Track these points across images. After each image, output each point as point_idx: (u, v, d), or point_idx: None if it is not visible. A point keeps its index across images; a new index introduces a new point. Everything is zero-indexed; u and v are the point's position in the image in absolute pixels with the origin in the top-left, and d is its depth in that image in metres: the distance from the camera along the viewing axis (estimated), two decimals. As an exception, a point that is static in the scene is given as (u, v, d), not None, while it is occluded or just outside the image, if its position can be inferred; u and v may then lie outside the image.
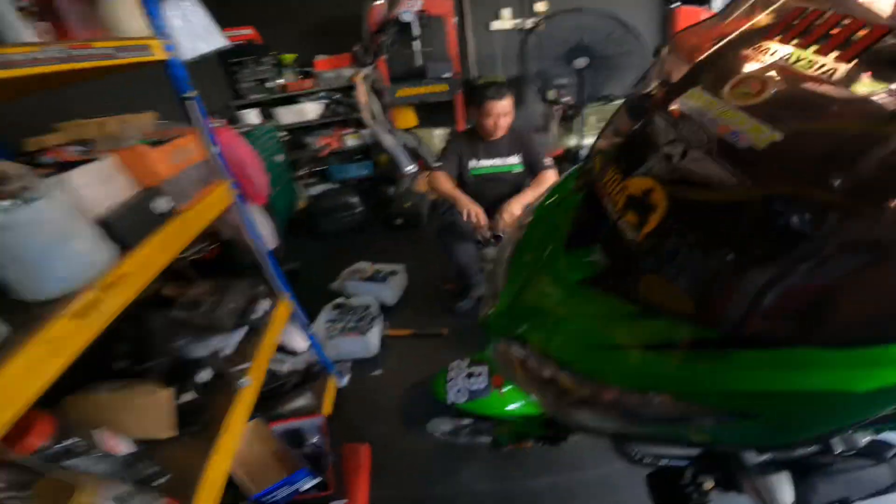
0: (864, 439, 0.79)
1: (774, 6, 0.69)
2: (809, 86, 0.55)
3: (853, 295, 0.48)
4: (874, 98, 0.50)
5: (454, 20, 3.40)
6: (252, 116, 3.72)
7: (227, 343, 1.44)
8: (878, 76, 0.51)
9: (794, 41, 0.60)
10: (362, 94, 3.40)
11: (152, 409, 1.01)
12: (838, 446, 0.78)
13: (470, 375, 1.13)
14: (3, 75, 0.73)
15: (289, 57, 3.90)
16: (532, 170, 2.22)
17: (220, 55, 3.72)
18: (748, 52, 0.65)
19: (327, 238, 3.47)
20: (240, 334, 1.48)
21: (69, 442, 0.78)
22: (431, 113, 3.80)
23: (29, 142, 1.64)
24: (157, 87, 1.76)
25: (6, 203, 0.70)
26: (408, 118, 3.77)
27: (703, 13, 3.18)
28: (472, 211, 2.04)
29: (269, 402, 1.62)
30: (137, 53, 1.06)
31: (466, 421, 1.46)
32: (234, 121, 3.68)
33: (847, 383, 0.49)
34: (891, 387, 0.48)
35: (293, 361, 2.00)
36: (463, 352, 2.03)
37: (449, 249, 2.23)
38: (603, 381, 0.62)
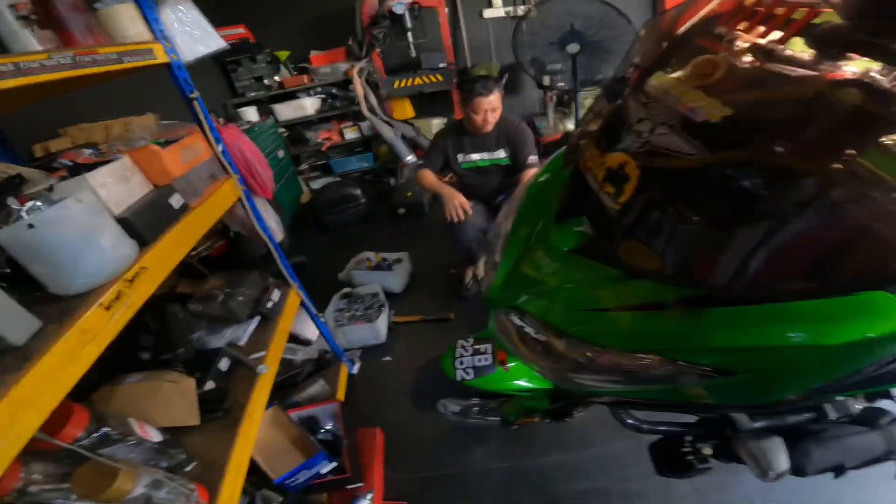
0: (857, 406, 0.83)
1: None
2: (756, 63, 0.61)
3: (811, 250, 0.52)
4: (813, 72, 0.55)
5: (446, 10, 3.40)
6: (251, 114, 3.74)
7: (242, 333, 1.48)
8: (819, 53, 0.57)
9: (742, 25, 0.66)
10: (359, 87, 3.41)
11: (178, 398, 1.05)
12: (832, 412, 0.82)
13: (476, 353, 1.17)
14: (14, 84, 0.75)
15: (283, 54, 3.90)
16: (517, 166, 2.22)
17: (216, 55, 3.68)
18: (704, 37, 0.72)
19: (332, 230, 3.51)
20: (253, 324, 1.52)
21: (104, 430, 0.82)
22: (428, 103, 3.81)
23: (36, 147, 1.68)
24: (155, 88, 1.79)
25: (35, 203, 0.74)
26: (405, 109, 3.79)
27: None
28: (455, 204, 2.10)
29: (284, 391, 1.68)
30: (141, 57, 1.09)
31: (475, 400, 1.51)
32: (233, 119, 3.70)
33: (819, 337, 0.53)
34: (862, 340, 0.52)
35: (306, 351, 2.05)
36: (470, 335, 2.12)
37: (459, 239, 2.25)
38: (596, 344, 0.66)
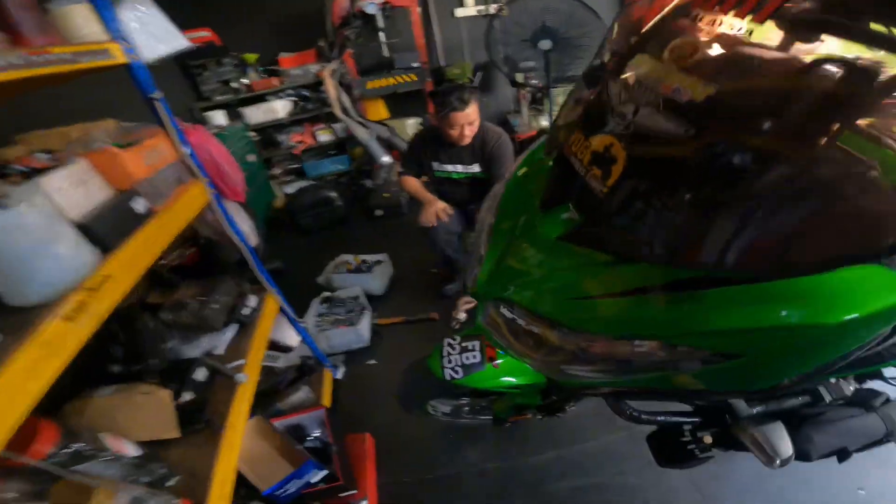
0: (850, 387, 0.84)
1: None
2: (734, 44, 0.62)
3: (800, 225, 0.53)
4: (790, 54, 0.57)
5: (418, 9, 3.37)
6: (219, 118, 3.62)
7: (219, 341, 1.42)
8: (792, 34, 0.57)
9: (716, 7, 0.66)
10: (331, 88, 3.34)
11: (153, 410, 0.99)
12: (826, 395, 0.83)
13: (463, 350, 1.14)
14: (-40, 85, 0.69)
15: (251, 56, 3.80)
16: (493, 179, 2.07)
17: (179, 58, 3.60)
18: (682, 20, 0.73)
19: (308, 234, 3.42)
20: (231, 332, 1.46)
21: (76, 447, 0.76)
22: (402, 103, 3.77)
23: (-10, 156, 1.56)
24: (117, 93, 1.70)
25: (-17, 209, 0.67)
26: (379, 110, 3.73)
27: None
28: (430, 211, 2.09)
29: (267, 399, 1.61)
30: (97, 57, 1.02)
31: (464, 400, 1.48)
32: (200, 123, 3.57)
33: (816, 315, 0.52)
34: (859, 317, 0.51)
35: (287, 357, 1.98)
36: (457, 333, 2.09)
37: (436, 244, 2.23)
38: (589, 332, 0.64)
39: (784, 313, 0.54)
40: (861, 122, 0.52)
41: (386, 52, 3.30)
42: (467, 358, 1.12)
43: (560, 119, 0.86)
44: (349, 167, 4.08)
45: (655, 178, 0.59)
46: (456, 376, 1.12)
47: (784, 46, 0.59)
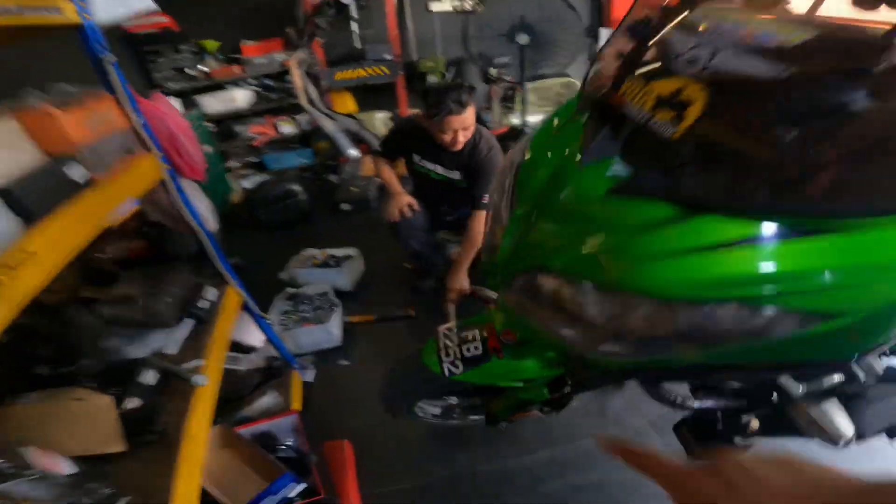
0: (882, 365, 0.78)
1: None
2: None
3: None
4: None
5: (393, 1, 3.22)
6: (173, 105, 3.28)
7: (171, 339, 1.20)
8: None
9: None
10: (297, 78, 3.12)
11: (90, 419, 0.78)
12: (860, 373, 0.76)
13: (463, 342, 1.00)
14: None
15: (211, 44, 3.50)
16: (471, 195, 1.88)
17: (130, 43, 3.28)
18: None
19: (268, 230, 3.15)
20: (185, 329, 1.24)
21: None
22: (371, 96, 3.59)
23: None
24: (56, 63, 1.45)
25: None
26: (346, 103, 3.53)
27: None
28: (395, 205, 1.94)
29: (230, 406, 1.39)
30: (45, 13, 0.83)
31: (453, 399, 1.34)
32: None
33: None
34: None
35: (250, 359, 1.75)
36: (434, 331, 1.94)
37: (400, 238, 2.07)
38: (661, 296, 0.53)
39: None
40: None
41: (358, 43, 3.13)
42: (468, 350, 0.98)
43: (596, 72, 0.76)
44: (313, 161, 3.83)
45: (744, 117, 0.50)
46: (455, 371, 0.97)
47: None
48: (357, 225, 3.06)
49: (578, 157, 0.66)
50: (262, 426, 1.24)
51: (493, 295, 1.99)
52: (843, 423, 0.67)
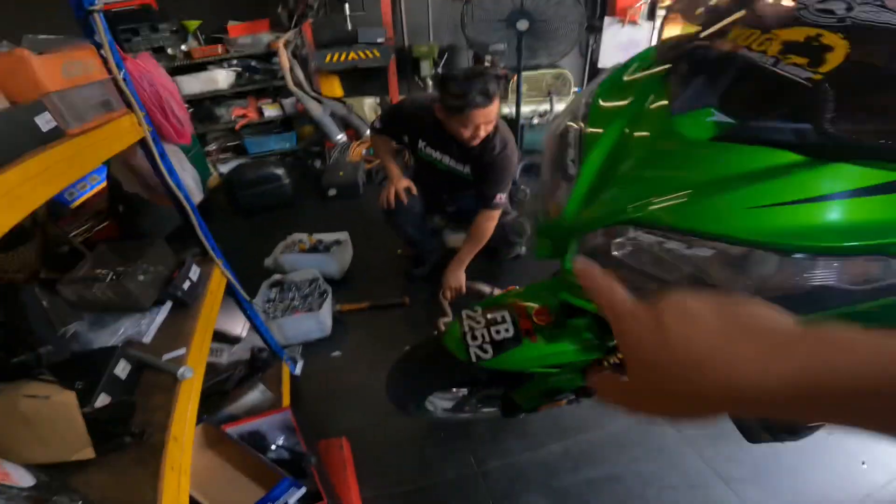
0: None
1: None
2: None
3: None
4: None
5: (390, -16, 3.05)
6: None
7: (146, 325, 1.02)
8: None
9: None
10: (284, 59, 2.91)
11: (50, 420, 0.60)
12: None
13: (491, 324, 0.87)
14: None
15: (192, 23, 3.23)
16: (478, 191, 1.72)
17: (106, 22, 2.94)
18: None
19: (249, 215, 2.92)
20: (163, 313, 1.06)
21: None
22: (360, 81, 3.40)
23: None
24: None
25: None
26: (333, 87, 3.33)
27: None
28: (391, 191, 1.77)
29: (212, 402, 1.22)
30: None
31: (463, 391, 1.21)
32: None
33: None
34: None
35: (232, 350, 1.57)
36: (430, 320, 1.80)
37: (395, 224, 1.92)
38: (794, 248, 0.43)
39: None
40: None
41: (349, 26, 2.93)
42: (497, 332, 0.85)
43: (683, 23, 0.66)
44: (296, 146, 3.61)
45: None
46: (484, 356, 0.84)
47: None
48: (344, 210, 2.88)
49: (665, 105, 0.55)
50: (251, 424, 1.07)
51: (487, 289, 1.89)
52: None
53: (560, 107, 3.06)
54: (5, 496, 0.52)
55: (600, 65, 3.67)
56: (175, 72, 3.19)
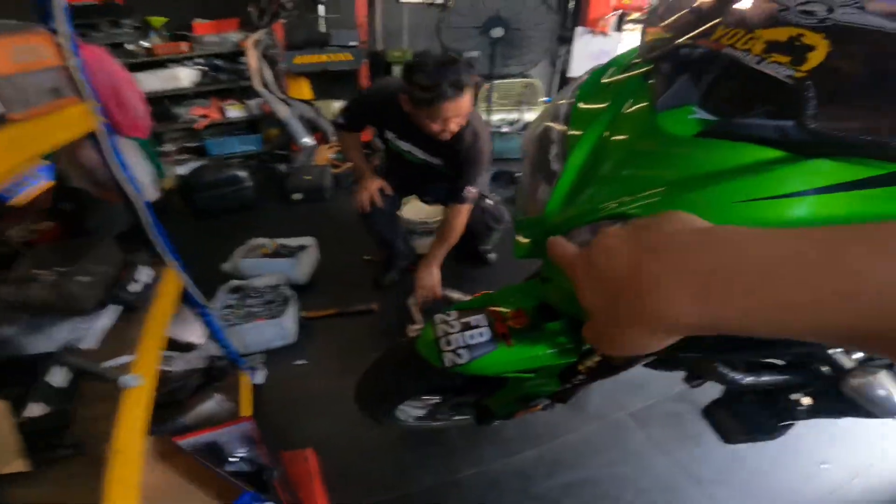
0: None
1: None
2: None
3: None
4: None
5: (365, -14, 3.03)
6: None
7: (89, 330, 0.94)
8: None
9: None
10: (253, 60, 2.83)
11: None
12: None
13: (466, 327, 0.85)
14: None
15: (157, 20, 3.10)
16: (451, 182, 1.66)
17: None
18: None
19: (206, 218, 2.78)
20: (107, 317, 0.98)
21: None
22: (330, 84, 3.35)
23: None
24: None
25: None
26: (302, 89, 3.26)
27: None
28: (364, 195, 1.73)
29: (165, 412, 1.13)
30: None
31: (435, 399, 1.18)
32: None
33: None
34: None
35: (188, 358, 1.47)
36: (400, 327, 1.77)
37: (368, 225, 1.88)
38: None
39: None
40: None
41: (323, 27, 2.89)
42: (472, 337, 0.83)
43: (672, 24, 0.67)
44: (260, 149, 3.49)
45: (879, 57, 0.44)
46: (459, 361, 0.82)
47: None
48: (310, 215, 2.80)
49: (647, 104, 0.56)
50: (208, 435, 1.00)
51: (456, 296, 1.88)
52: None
53: (530, 116, 3.13)
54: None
55: (570, 74, 3.78)
56: (133, 69, 3.03)
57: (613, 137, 0.58)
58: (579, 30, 3.57)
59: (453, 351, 0.83)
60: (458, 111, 1.40)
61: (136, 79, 3.00)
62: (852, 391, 0.63)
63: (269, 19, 2.78)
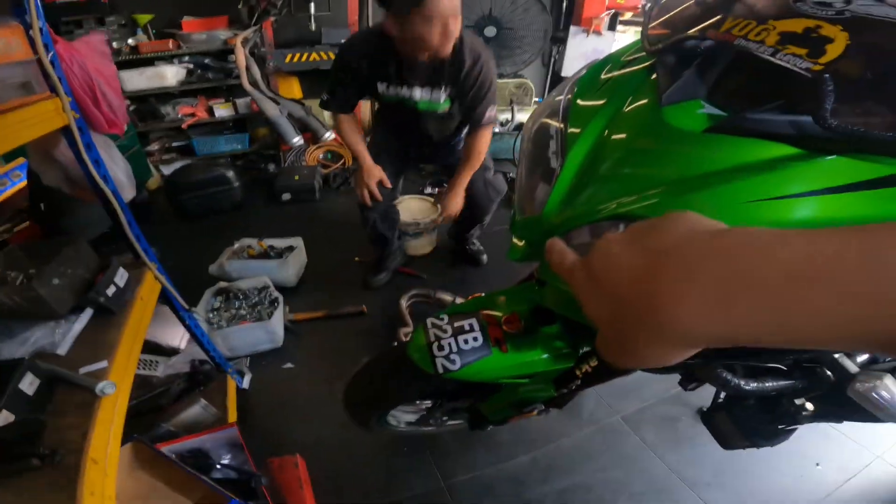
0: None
1: None
2: None
3: None
4: None
5: (359, -15, 2.98)
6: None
7: (61, 335, 0.90)
8: None
9: None
10: (241, 58, 2.77)
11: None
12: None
13: (458, 332, 0.83)
14: None
15: (143, 17, 3.03)
16: (466, 118, 1.54)
17: (48, 13, 2.67)
18: None
19: (192, 219, 2.72)
20: (81, 321, 0.94)
21: None
22: (320, 83, 3.30)
23: None
24: None
25: None
26: (292, 89, 3.21)
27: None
28: (364, 189, 1.68)
29: (146, 419, 1.08)
30: None
31: (427, 404, 1.15)
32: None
33: None
34: None
35: (171, 363, 1.42)
36: (390, 330, 1.74)
37: (367, 217, 1.82)
38: None
39: None
40: None
41: (313, 26, 2.84)
42: (465, 342, 0.80)
43: (677, 15, 0.65)
44: (249, 148, 3.43)
45: None
46: (452, 367, 0.79)
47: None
48: (299, 216, 2.75)
49: (651, 98, 0.54)
50: (192, 442, 0.96)
51: (449, 298, 1.85)
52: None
53: (522, 116, 3.11)
54: None
55: (563, 74, 3.78)
56: (119, 67, 2.95)
57: (615, 134, 0.56)
58: (573, 29, 3.56)
59: (445, 356, 0.80)
60: (453, 8, 1.22)
61: (120, 77, 2.96)
62: (858, 396, 0.61)
63: (259, 17, 2.72)
